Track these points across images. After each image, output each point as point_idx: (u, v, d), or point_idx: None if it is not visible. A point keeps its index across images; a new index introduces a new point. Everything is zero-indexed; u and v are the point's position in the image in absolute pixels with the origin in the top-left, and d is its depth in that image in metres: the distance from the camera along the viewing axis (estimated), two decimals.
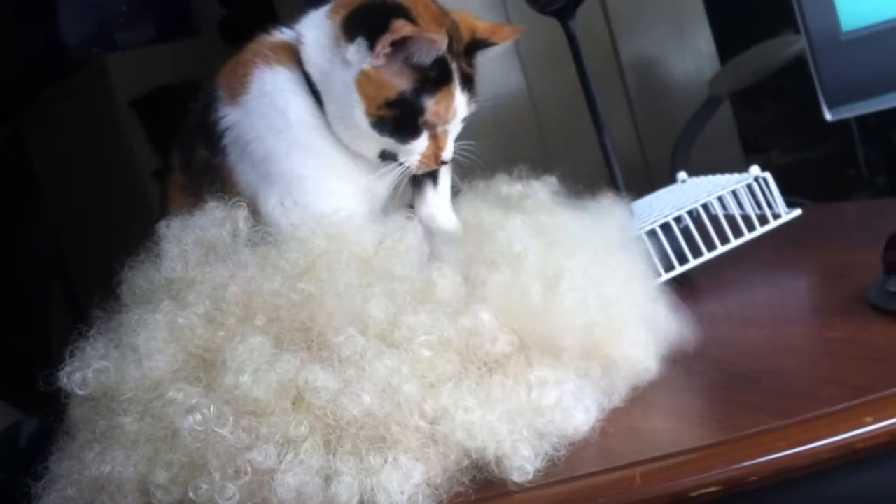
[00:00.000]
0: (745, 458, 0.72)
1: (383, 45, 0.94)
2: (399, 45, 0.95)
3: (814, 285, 1.15)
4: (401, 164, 1.01)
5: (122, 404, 0.82)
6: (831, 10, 1.19)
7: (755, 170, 1.24)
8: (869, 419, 0.71)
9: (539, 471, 0.77)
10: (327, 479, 0.76)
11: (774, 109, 2.66)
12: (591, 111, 1.29)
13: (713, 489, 0.72)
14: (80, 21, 3.25)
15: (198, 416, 0.78)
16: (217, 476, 0.76)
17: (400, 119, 0.98)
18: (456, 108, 1.00)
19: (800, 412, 0.75)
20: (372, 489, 0.75)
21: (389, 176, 1.02)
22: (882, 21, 1.17)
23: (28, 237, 3.55)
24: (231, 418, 0.78)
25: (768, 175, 1.23)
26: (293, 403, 0.79)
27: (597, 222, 0.95)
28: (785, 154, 2.64)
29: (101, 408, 0.84)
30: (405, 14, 0.96)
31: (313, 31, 1.02)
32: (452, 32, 0.99)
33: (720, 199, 1.23)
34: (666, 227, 1.18)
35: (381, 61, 0.96)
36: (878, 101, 1.20)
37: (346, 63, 0.98)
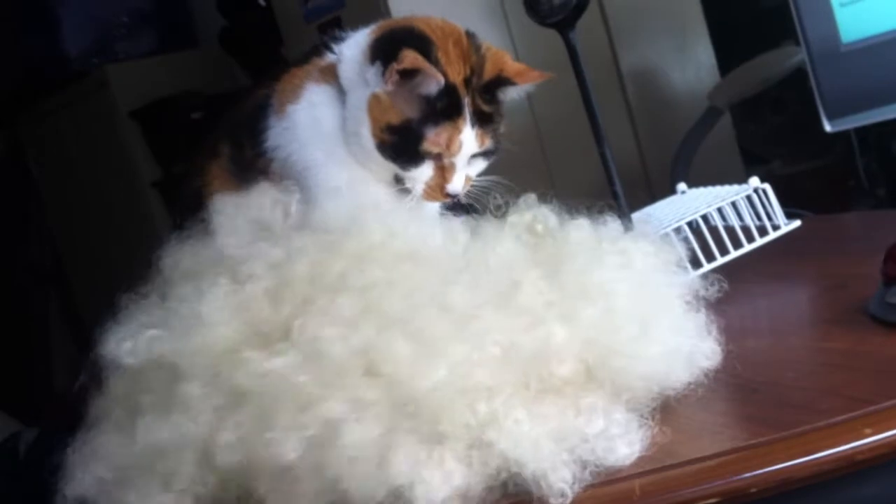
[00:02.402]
0: (745, 469, 0.72)
1: (390, 73, 0.99)
2: (407, 75, 0.99)
3: (813, 296, 1.15)
4: (408, 189, 1.04)
5: (183, 371, 0.82)
6: (831, 22, 1.20)
7: (755, 181, 1.24)
8: (868, 431, 0.71)
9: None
10: (383, 450, 0.75)
11: (774, 121, 2.65)
12: (592, 123, 1.28)
13: (713, 501, 0.72)
14: (80, 31, 3.26)
15: (280, 360, 0.79)
16: (286, 425, 0.76)
17: (400, 145, 1.01)
18: (462, 142, 1.02)
19: (799, 424, 0.74)
20: (415, 480, 0.75)
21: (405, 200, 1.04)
22: (882, 33, 1.17)
23: (26, 246, 3.54)
24: (308, 371, 0.78)
25: (767, 186, 1.23)
26: (366, 370, 0.79)
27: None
28: (785, 165, 2.64)
29: (151, 379, 0.84)
30: (426, 46, 1.00)
31: (352, 49, 1.06)
32: (475, 68, 1.03)
33: (720, 210, 1.23)
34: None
35: (390, 87, 1.00)
36: (878, 112, 1.20)
37: (365, 83, 1.03)
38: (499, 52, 1.07)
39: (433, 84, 0.99)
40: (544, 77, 1.08)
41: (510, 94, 1.07)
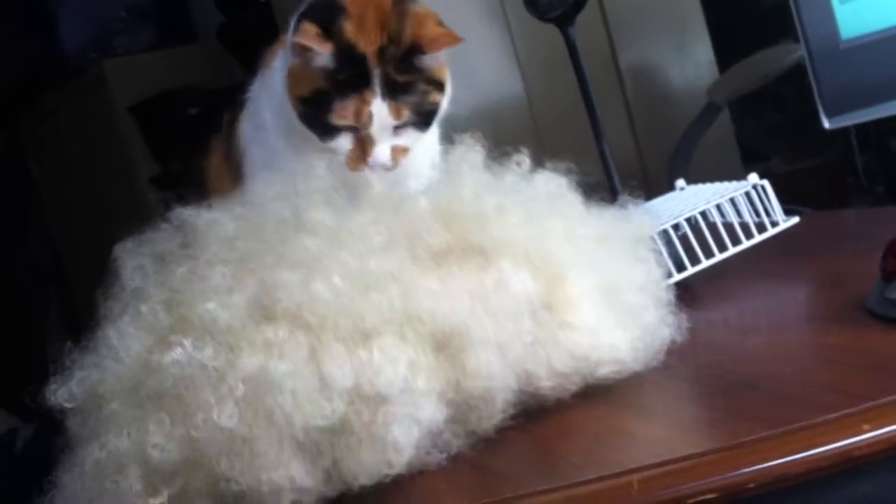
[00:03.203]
0: (743, 465, 0.72)
1: (291, 46, 1.00)
2: (300, 49, 1.00)
3: (812, 293, 1.15)
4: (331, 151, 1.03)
5: (107, 395, 0.84)
6: (830, 19, 1.19)
7: (753, 178, 1.24)
8: (867, 427, 0.71)
9: None
10: (317, 366, 0.77)
11: (774, 118, 2.65)
12: (591, 118, 1.29)
13: (711, 496, 0.72)
14: (79, 27, 3.25)
15: (178, 350, 0.80)
16: (212, 400, 0.77)
17: (312, 116, 1.02)
18: (371, 114, 1.00)
19: (798, 420, 0.74)
20: (369, 376, 0.77)
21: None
22: (881, 29, 1.17)
23: (26, 245, 3.54)
24: (210, 344, 0.79)
25: (766, 183, 1.23)
26: (266, 318, 0.80)
27: (613, 224, 0.94)
28: (784, 163, 2.64)
29: (90, 411, 0.85)
30: (335, 16, 1.00)
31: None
32: (393, 37, 1.01)
33: (718, 206, 1.23)
34: (664, 235, 1.17)
35: (298, 60, 1.01)
36: (877, 109, 1.20)
37: (287, 62, 1.04)
38: (424, 15, 1.05)
39: (323, 58, 0.99)
40: (454, 42, 1.04)
41: (429, 62, 1.04)
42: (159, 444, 0.78)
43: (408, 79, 1.02)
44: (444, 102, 1.06)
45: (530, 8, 1.29)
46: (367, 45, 1.00)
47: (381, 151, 1.02)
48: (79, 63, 3.24)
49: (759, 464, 0.72)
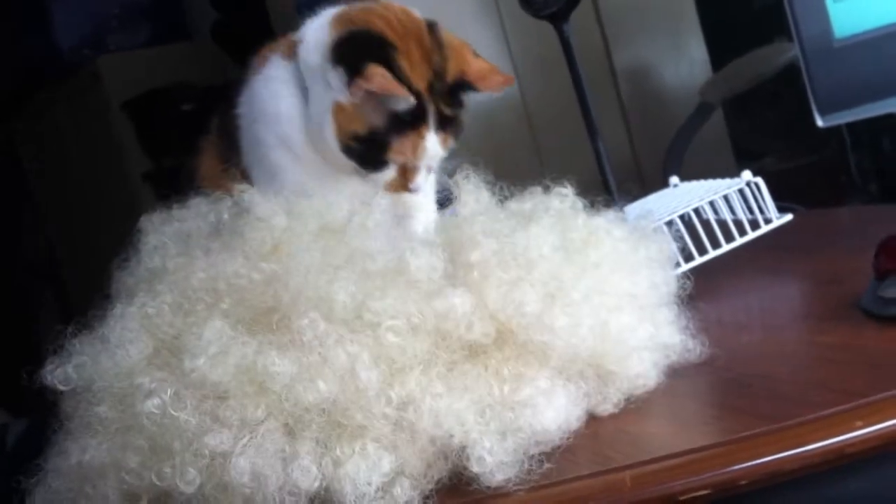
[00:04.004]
0: (736, 461, 0.72)
1: (357, 88, 0.97)
2: (376, 94, 0.97)
3: (806, 291, 1.15)
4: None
5: (98, 394, 0.83)
6: (824, 17, 1.19)
7: (747, 175, 1.24)
8: (859, 423, 0.71)
9: (505, 465, 0.76)
10: (285, 463, 0.75)
11: (767, 116, 2.66)
12: (585, 116, 1.29)
13: (704, 492, 0.72)
14: (73, 24, 3.25)
15: (156, 401, 0.78)
16: (178, 459, 0.76)
17: (366, 153, 1.01)
18: (426, 149, 1.01)
19: (790, 416, 0.74)
20: (338, 477, 0.75)
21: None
22: (875, 28, 1.17)
23: (19, 240, 3.53)
24: (189, 402, 0.78)
25: (760, 180, 1.23)
26: (253, 387, 0.78)
27: (611, 231, 0.94)
28: (777, 161, 2.64)
29: (82, 400, 0.85)
30: (389, 53, 0.98)
31: (314, 34, 1.04)
32: (438, 71, 1.01)
33: (712, 203, 1.23)
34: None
35: (355, 98, 0.98)
36: (870, 108, 1.20)
37: (327, 84, 1.00)
38: (460, 47, 1.04)
39: (402, 102, 0.98)
40: (509, 83, 1.05)
41: (473, 96, 1.05)
42: (133, 471, 0.78)
43: (454, 112, 1.03)
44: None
45: (525, 5, 1.29)
46: (419, 80, 1.00)
47: (421, 179, 1.03)
48: (73, 60, 3.23)
49: (751, 460, 0.72)
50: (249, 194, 0.92)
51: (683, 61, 2.61)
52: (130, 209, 3.10)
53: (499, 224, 0.90)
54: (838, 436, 0.72)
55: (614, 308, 0.86)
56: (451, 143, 1.03)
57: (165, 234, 0.91)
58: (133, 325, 0.84)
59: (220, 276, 0.85)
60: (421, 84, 1.00)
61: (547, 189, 0.94)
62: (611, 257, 0.90)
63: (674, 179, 1.40)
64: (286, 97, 1.04)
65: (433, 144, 1.01)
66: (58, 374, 0.85)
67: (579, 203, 0.94)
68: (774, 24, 2.00)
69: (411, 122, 1.00)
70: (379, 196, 0.97)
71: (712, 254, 1.18)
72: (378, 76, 0.96)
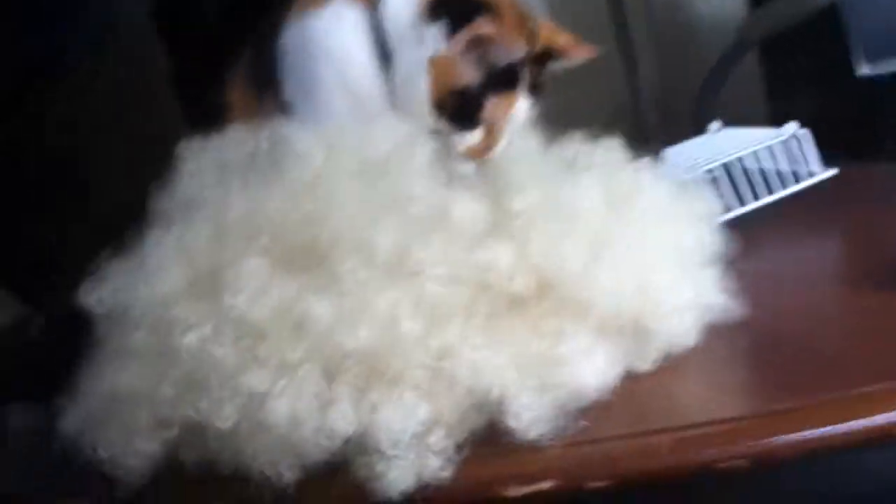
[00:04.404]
0: (777, 433, 0.71)
1: (462, 39, 0.95)
2: (477, 42, 0.95)
3: (847, 250, 1.13)
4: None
5: (134, 320, 0.82)
6: None
7: (792, 126, 1.22)
8: None
9: (541, 421, 0.75)
10: (323, 407, 0.74)
11: (804, 59, 2.59)
12: (624, 50, 1.25)
13: (741, 462, 0.71)
14: None
15: (195, 336, 0.77)
16: (214, 395, 0.76)
17: (459, 110, 0.98)
18: (515, 113, 0.99)
19: (832, 389, 0.73)
20: (374, 423, 0.74)
21: None
22: None
23: (42, 132, 3.50)
24: (228, 339, 0.77)
25: (806, 132, 1.20)
26: (292, 329, 0.77)
27: (658, 184, 0.91)
28: (813, 109, 2.58)
29: (117, 325, 0.84)
30: (491, 11, 0.96)
31: None
32: (529, 38, 1.00)
33: (755, 153, 1.21)
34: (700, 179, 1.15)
35: (455, 51, 0.96)
36: None
37: (421, 41, 0.98)
38: (545, 22, 1.04)
39: (507, 55, 0.96)
40: (591, 53, 1.04)
41: (554, 67, 1.03)
42: (168, 402, 0.77)
43: (539, 80, 1.01)
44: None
45: None
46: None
47: (504, 141, 1.00)
48: None
49: (791, 433, 0.71)
50: (288, 126, 0.89)
51: None
52: (156, 113, 3.07)
53: (543, 169, 0.88)
54: (883, 413, 0.70)
55: (657, 265, 0.84)
56: (536, 107, 1.01)
57: (203, 162, 0.89)
58: (170, 253, 0.83)
59: (258, 212, 0.83)
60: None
61: (593, 138, 0.92)
62: (656, 212, 0.88)
63: (714, 125, 1.37)
64: (358, 42, 1.01)
65: (522, 110, 1.00)
66: (94, 297, 0.83)
67: (625, 155, 0.91)
68: None
69: (507, 83, 0.98)
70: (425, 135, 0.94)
71: (753, 205, 1.16)
72: (487, 25, 0.95)
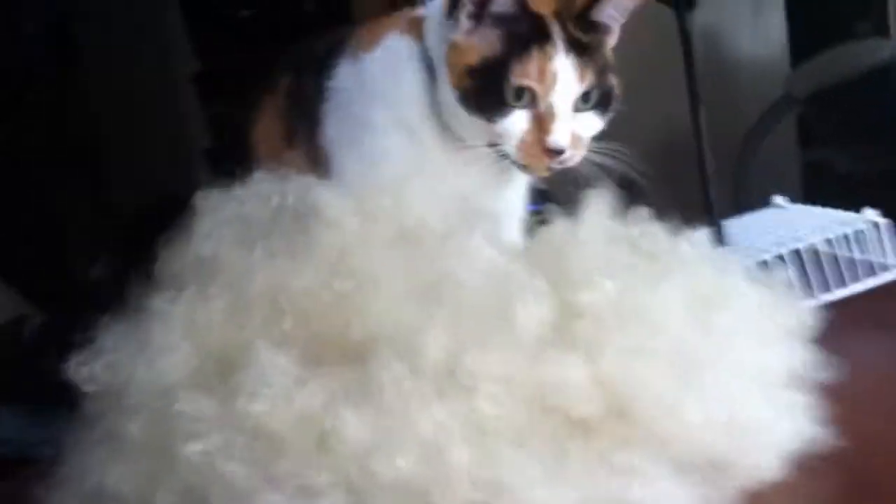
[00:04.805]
0: None
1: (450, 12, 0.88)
2: (477, 3, 0.87)
3: None
4: (496, 147, 0.89)
5: (129, 408, 0.71)
6: None
7: (871, 214, 1.12)
8: None
9: None
10: None
11: (847, 114, 2.49)
12: (693, 112, 1.13)
13: None
14: None
15: (199, 446, 0.66)
16: None
17: (483, 88, 0.88)
18: (556, 73, 0.87)
19: None
20: None
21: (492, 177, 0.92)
22: None
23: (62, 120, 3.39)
24: (239, 451, 0.65)
25: (888, 222, 1.10)
26: (317, 445, 0.65)
27: (746, 291, 0.79)
28: (849, 162, 2.49)
29: (111, 407, 0.73)
30: None
31: (437, 3, 0.94)
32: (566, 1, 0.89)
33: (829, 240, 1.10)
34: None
35: (467, 25, 0.88)
36: None
37: (446, 39, 0.91)
38: None
39: (501, 5, 0.87)
40: None
41: (609, 17, 0.91)
42: None
43: (588, 38, 0.89)
44: (618, 92, 0.92)
45: None
46: (542, 4, 0.88)
47: (562, 130, 0.87)
48: None
49: None
50: (317, 186, 0.79)
51: (761, 38, 2.44)
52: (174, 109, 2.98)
53: (613, 254, 0.76)
54: None
55: (746, 390, 0.72)
56: (591, 78, 0.89)
57: (221, 219, 0.78)
58: (177, 329, 0.72)
59: (283, 289, 0.71)
60: (544, 8, 0.89)
61: (673, 228, 0.80)
62: (744, 324, 0.75)
63: (778, 199, 1.27)
64: (410, 77, 0.93)
65: (565, 70, 0.87)
66: (83, 372, 0.73)
67: (711, 251, 0.80)
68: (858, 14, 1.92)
69: (534, 38, 0.87)
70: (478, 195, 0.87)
71: (826, 297, 1.05)
72: None
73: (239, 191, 0.81)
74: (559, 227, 0.82)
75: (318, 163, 0.94)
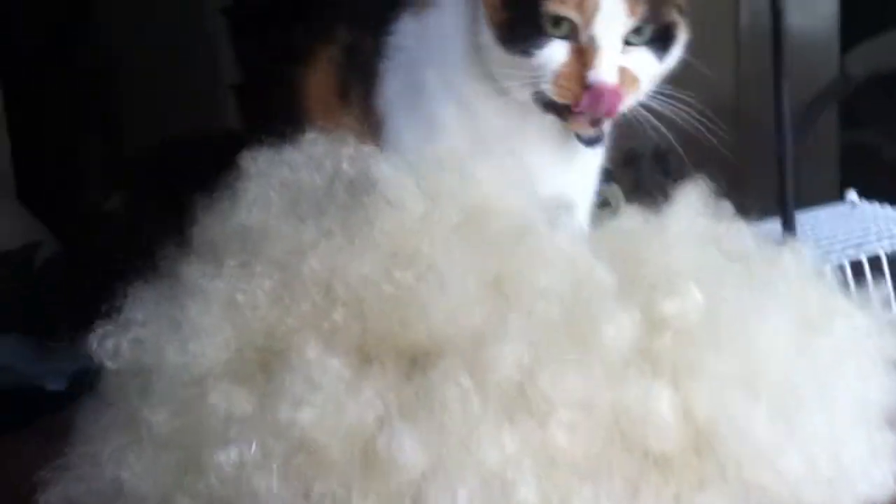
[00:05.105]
0: None
1: None
2: None
3: None
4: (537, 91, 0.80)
5: (155, 394, 0.63)
6: None
7: None
8: None
9: None
10: None
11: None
12: (777, 108, 1.04)
13: None
14: None
15: (233, 454, 0.58)
16: None
17: (518, 18, 0.79)
18: (598, 1, 0.77)
19: None
20: None
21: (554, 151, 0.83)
22: None
23: (78, 48, 3.30)
24: (276, 464, 0.57)
25: None
26: (364, 464, 0.57)
27: (853, 315, 0.70)
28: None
29: (133, 388, 0.65)
30: None
31: None
32: None
33: None
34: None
35: None
36: None
37: None
38: None
39: None
40: None
41: None
42: None
43: None
44: (683, 32, 0.82)
45: None
46: None
47: (607, 64, 0.77)
48: None
49: None
50: (375, 160, 0.71)
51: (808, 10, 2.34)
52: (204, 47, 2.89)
53: (705, 260, 0.68)
54: None
55: (848, 433, 0.63)
56: (644, 11, 0.78)
57: (270, 184, 0.70)
58: (215, 310, 0.64)
59: (338, 273, 0.63)
60: None
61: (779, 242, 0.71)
62: (846, 352, 0.67)
63: (851, 195, 1.18)
64: (458, 34, 0.84)
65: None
66: (108, 346, 0.65)
67: (817, 266, 0.71)
68: None
69: None
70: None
71: None
72: None
73: (289, 153, 0.73)
74: (633, 217, 0.73)
75: (372, 125, 0.86)
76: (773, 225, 1.07)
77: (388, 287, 0.62)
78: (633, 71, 0.79)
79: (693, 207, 0.72)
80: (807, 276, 0.70)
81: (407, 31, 0.86)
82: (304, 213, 0.68)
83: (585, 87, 0.77)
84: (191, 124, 2.79)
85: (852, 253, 0.99)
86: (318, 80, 0.90)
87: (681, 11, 0.82)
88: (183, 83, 2.90)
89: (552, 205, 0.70)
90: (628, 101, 0.80)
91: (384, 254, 0.64)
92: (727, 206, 0.75)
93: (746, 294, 0.65)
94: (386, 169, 0.69)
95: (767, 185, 1.15)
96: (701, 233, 0.71)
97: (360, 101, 0.87)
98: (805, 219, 1.13)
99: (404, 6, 0.87)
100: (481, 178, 0.70)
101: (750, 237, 0.73)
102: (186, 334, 0.63)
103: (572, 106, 0.79)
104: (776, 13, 1.02)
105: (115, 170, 2.91)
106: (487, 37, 0.81)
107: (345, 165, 0.72)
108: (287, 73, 0.93)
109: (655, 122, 0.81)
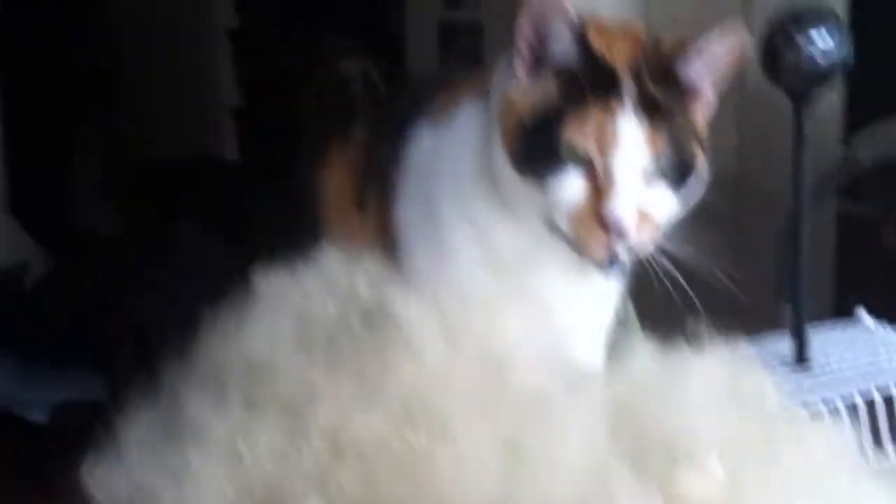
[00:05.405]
0: None
1: (517, 32, 0.76)
2: (533, 44, 0.76)
3: None
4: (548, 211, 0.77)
5: None
6: None
7: None
8: None
9: None
10: None
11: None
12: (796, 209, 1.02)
13: None
14: None
15: None
16: None
17: (533, 144, 0.76)
18: (618, 135, 0.74)
19: None
20: None
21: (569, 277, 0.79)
22: None
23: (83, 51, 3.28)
24: None
25: None
26: None
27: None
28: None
29: None
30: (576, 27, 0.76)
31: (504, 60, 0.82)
32: (647, 53, 0.77)
33: None
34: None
35: (523, 76, 0.77)
36: None
37: (501, 95, 0.80)
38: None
39: (564, 30, 0.75)
40: (744, 49, 0.78)
41: (697, 75, 0.78)
42: None
43: (667, 97, 0.76)
44: (703, 169, 0.78)
45: (769, 71, 1.01)
46: (617, 53, 0.76)
47: (625, 205, 0.74)
48: None
49: None
50: (396, 294, 0.69)
51: None
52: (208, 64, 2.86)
53: (732, 430, 0.65)
54: None
55: None
56: (664, 148, 0.75)
57: (281, 312, 0.68)
58: (216, 458, 0.62)
59: (346, 427, 0.61)
60: (619, 58, 0.76)
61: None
62: None
63: (862, 314, 1.15)
64: (472, 151, 0.81)
65: (631, 131, 0.74)
66: (100, 476, 0.65)
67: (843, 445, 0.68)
68: None
69: (596, 90, 0.75)
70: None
71: None
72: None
73: (303, 275, 0.70)
74: (650, 363, 0.71)
75: (388, 237, 0.82)
76: (781, 344, 1.06)
77: (399, 447, 0.60)
78: (650, 209, 0.76)
79: (710, 356, 0.70)
80: (833, 458, 0.67)
81: (423, 141, 0.84)
82: (314, 345, 0.66)
83: (601, 222, 0.74)
84: (187, 146, 2.79)
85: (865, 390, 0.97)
86: (336, 183, 0.87)
87: (702, 146, 0.79)
88: (181, 103, 2.89)
89: (573, 369, 0.67)
90: (645, 240, 0.76)
91: (397, 407, 0.61)
92: (743, 349, 0.73)
93: (766, 467, 0.63)
94: (407, 305, 0.66)
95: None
96: (720, 390, 0.68)
97: (376, 210, 0.84)
98: (814, 342, 1.10)
99: (422, 114, 0.85)
100: (505, 326, 0.67)
101: (772, 393, 0.71)
102: (185, 486, 0.61)
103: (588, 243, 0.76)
104: (799, 132, 1.00)
105: (109, 188, 2.92)
106: (501, 162, 0.78)
107: (361, 289, 0.70)
108: (306, 176, 0.91)
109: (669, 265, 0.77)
